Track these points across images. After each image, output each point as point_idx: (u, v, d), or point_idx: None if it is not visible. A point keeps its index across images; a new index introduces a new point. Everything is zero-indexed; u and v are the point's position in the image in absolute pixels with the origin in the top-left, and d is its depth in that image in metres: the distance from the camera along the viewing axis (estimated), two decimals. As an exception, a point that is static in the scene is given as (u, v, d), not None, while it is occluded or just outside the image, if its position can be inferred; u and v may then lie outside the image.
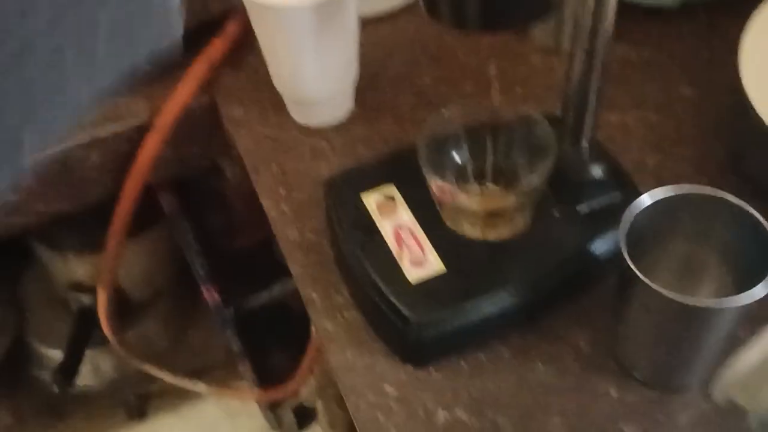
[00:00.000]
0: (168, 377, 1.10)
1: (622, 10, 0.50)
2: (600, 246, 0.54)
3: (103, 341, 1.16)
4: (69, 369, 1.18)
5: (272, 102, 0.67)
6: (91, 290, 1.04)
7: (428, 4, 0.43)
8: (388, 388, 0.52)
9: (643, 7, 0.69)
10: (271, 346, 1.18)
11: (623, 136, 0.64)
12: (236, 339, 1.06)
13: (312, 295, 0.57)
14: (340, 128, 0.67)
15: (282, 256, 1.18)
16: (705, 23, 0.69)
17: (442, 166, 0.54)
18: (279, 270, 1.14)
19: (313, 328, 1.03)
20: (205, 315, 1.27)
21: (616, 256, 0.48)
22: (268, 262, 1.15)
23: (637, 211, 0.47)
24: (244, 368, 1.12)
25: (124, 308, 1.19)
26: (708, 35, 0.69)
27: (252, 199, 0.97)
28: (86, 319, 1.17)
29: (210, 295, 0.99)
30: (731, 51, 0.57)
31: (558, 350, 0.53)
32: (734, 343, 0.46)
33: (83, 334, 1.17)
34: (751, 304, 0.42)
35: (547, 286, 0.53)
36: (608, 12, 0.49)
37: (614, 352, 0.52)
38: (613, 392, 0.50)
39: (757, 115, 0.54)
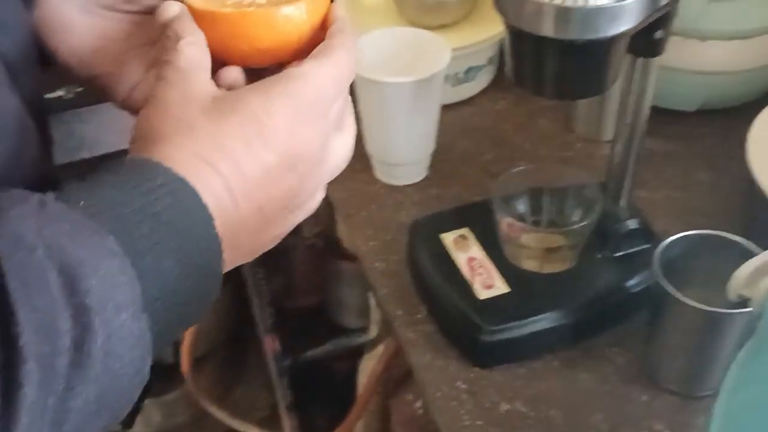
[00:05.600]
0: (230, 420, 1.19)
1: (652, 110, 0.65)
2: (632, 283, 0.67)
3: (155, 393, 1.26)
4: (127, 417, 1.28)
5: (361, 164, 0.82)
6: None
7: (516, 77, 0.58)
8: (460, 384, 0.63)
9: (667, 109, 0.85)
10: (314, 405, 1.28)
11: (651, 209, 0.77)
12: (288, 391, 1.17)
13: (397, 312, 0.69)
14: (417, 187, 0.81)
15: (337, 315, 1.32)
16: (719, 124, 0.85)
17: (509, 211, 0.68)
18: (331, 330, 1.26)
19: (358, 391, 1.14)
20: (251, 374, 1.37)
21: (645, 291, 0.62)
22: (321, 322, 1.27)
23: (668, 246, 0.60)
24: (289, 421, 1.22)
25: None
26: (721, 133, 0.84)
27: (315, 261, 1.09)
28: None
29: (272, 344, 1.10)
30: (740, 145, 0.72)
31: (598, 364, 0.64)
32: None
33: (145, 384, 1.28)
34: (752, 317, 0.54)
35: (589, 312, 0.66)
36: (646, 107, 0.64)
37: (646, 366, 0.63)
38: (645, 398, 0.62)
39: (763, 191, 0.68)
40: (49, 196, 0.32)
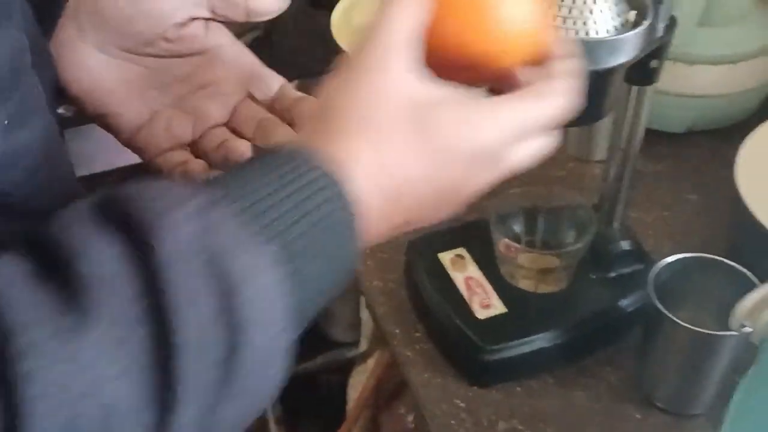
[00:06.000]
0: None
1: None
2: (626, 303, 0.68)
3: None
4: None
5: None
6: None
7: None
8: (458, 402, 0.64)
9: (656, 131, 0.87)
10: (304, 418, 1.29)
11: (641, 228, 0.79)
12: (278, 404, 1.17)
13: (395, 330, 0.70)
14: (413, 207, 0.82)
15: (327, 329, 1.32)
16: (707, 145, 0.87)
17: (505, 231, 0.69)
18: (322, 344, 1.27)
19: (349, 405, 1.15)
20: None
21: (638, 311, 0.64)
22: (312, 336, 1.28)
23: (662, 269, 0.62)
24: (279, 435, 1.22)
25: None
26: (709, 154, 0.86)
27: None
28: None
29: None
30: (727, 167, 0.74)
31: (593, 383, 0.66)
32: (731, 376, 0.59)
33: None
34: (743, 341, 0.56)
35: (584, 332, 0.67)
36: (639, 132, 0.65)
37: (640, 385, 0.65)
38: (638, 416, 0.64)
39: (750, 211, 0.70)
40: (210, 198, 0.31)
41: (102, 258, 0.28)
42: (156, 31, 0.47)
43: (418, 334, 0.70)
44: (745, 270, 0.61)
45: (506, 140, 0.38)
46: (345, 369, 1.19)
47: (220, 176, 0.34)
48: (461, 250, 0.72)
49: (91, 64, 0.47)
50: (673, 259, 0.62)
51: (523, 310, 0.67)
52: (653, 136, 0.87)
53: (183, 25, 0.47)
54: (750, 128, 0.79)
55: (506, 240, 0.67)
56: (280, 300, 0.31)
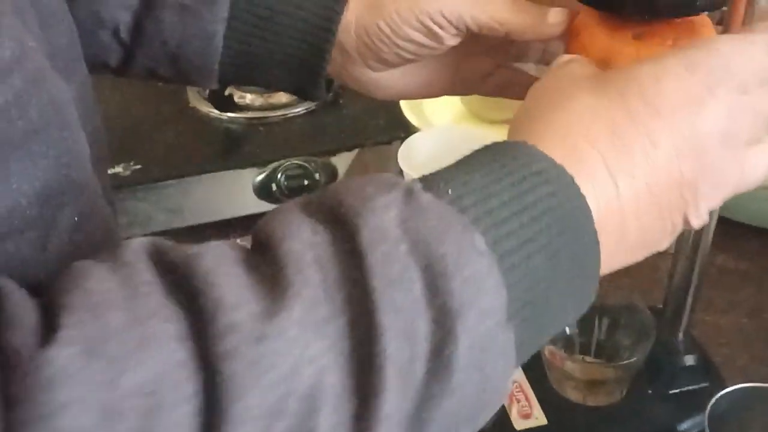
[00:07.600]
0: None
1: (725, 224, 0.60)
2: (685, 427, 0.61)
3: None
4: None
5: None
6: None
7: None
8: None
9: (746, 225, 0.79)
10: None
11: (716, 335, 0.72)
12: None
13: None
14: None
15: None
16: (799, 245, 0.78)
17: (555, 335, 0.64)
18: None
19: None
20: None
21: (700, 437, 0.56)
22: None
23: (722, 401, 0.55)
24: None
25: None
26: (801, 256, 0.78)
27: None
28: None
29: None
30: (821, 273, 0.66)
31: None
32: None
33: None
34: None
35: (635, 455, 0.61)
36: (710, 226, 0.59)
37: None
38: None
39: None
40: (416, 184, 0.30)
41: (305, 244, 0.28)
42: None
43: (452, 437, 0.65)
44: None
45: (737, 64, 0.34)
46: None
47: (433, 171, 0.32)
48: (507, 348, 0.67)
49: (377, 81, 0.51)
50: (735, 389, 0.55)
51: (567, 424, 0.62)
52: (741, 230, 0.80)
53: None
54: None
55: (551, 347, 0.61)
56: (492, 292, 0.28)
